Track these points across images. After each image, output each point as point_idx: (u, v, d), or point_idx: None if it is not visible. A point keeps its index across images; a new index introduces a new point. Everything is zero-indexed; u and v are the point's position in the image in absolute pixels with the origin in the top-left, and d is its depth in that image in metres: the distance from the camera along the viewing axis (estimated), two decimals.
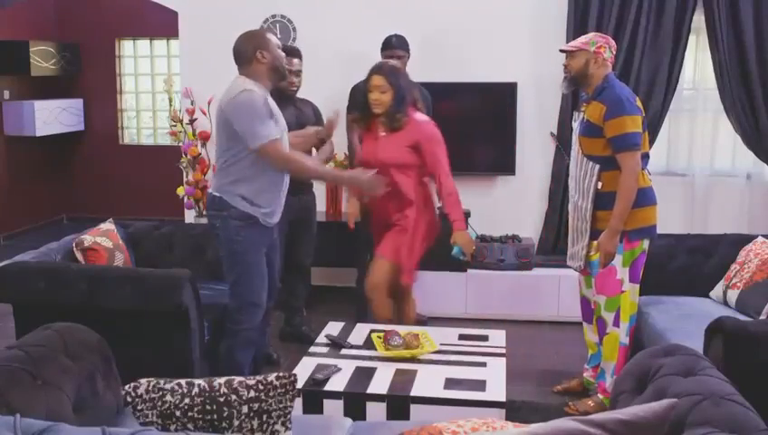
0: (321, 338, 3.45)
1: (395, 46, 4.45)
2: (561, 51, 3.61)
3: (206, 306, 3.51)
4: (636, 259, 3.49)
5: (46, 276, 3.31)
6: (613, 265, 3.48)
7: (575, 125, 3.65)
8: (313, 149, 4.06)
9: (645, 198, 3.47)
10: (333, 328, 3.57)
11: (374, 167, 3.66)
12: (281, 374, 2.05)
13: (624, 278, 3.50)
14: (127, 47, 8.25)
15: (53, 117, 7.70)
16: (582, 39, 3.57)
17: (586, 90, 3.58)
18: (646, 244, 3.51)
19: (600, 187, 3.45)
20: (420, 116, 3.78)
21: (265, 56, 3.32)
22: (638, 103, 3.49)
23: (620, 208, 3.39)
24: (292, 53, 4.12)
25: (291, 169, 3.36)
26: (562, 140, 5.14)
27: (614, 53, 3.56)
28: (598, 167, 3.45)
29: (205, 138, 5.45)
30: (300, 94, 4.29)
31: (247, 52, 3.32)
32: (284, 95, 4.05)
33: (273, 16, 5.42)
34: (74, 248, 3.71)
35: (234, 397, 2.01)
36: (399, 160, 3.71)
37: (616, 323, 3.54)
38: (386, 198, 3.70)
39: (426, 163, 3.72)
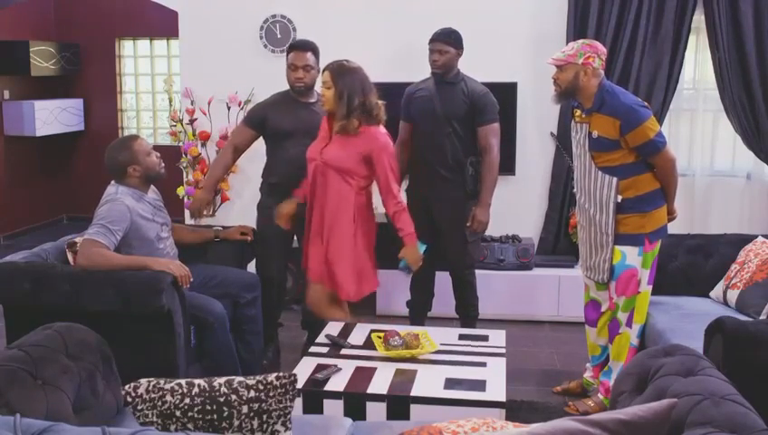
0: (322, 338, 3.45)
1: (434, 39, 4.11)
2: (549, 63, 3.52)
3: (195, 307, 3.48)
4: (654, 260, 3.51)
5: (31, 277, 3.28)
6: (635, 266, 3.48)
7: (578, 137, 3.55)
8: None
9: (659, 198, 3.49)
10: (333, 328, 3.57)
11: (315, 165, 3.64)
12: (281, 374, 2.05)
13: (643, 279, 3.51)
14: (127, 47, 8.25)
15: (53, 117, 7.70)
16: (569, 50, 3.45)
17: (582, 102, 3.49)
18: (659, 244, 3.53)
19: (619, 200, 3.43)
20: (375, 127, 3.62)
21: (137, 169, 3.51)
22: (644, 102, 3.48)
23: (673, 195, 3.51)
24: (302, 46, 4.05)
25: (90, 265, 3.31)
26: (562, 140, 5.14)
27: (604, 59, 3.46)
28: (615, 179, 3.42)
29: (204, 138, 5.45)
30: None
31: (119, 167, 3.50)
32: (294, 91, 4.04)
33: (273, 16, 5.41)
34: (66, 249, 3.63)
35: (234, 397, 2.01)
36: (344, 165, 3.59)
37: (628, 324, 3.55)
38: (320, 203, 3.67)
39: (377, 174, 3.61)
